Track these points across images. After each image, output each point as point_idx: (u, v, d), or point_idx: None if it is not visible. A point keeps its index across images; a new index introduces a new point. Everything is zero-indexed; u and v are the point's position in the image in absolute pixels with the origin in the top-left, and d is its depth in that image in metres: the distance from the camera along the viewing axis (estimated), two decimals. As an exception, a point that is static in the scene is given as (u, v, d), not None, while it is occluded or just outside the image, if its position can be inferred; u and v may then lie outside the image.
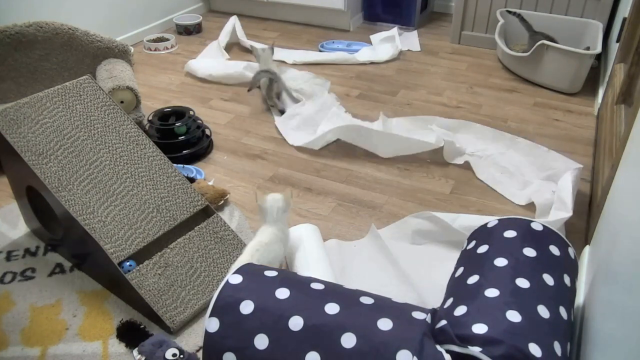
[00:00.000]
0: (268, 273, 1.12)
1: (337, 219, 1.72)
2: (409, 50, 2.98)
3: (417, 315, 1.02)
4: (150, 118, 2.06)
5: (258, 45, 2.60)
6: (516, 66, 2.63)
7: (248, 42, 2.98)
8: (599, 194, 1.53)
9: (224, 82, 2.63)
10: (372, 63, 2.84)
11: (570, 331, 1.05)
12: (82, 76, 1.58)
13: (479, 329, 0.96)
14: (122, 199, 1.42)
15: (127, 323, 1.33)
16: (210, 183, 1.84)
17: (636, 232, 0.93)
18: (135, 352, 1.24)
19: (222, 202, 1.76)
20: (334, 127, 2.06)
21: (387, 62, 2.85)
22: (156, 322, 1.34)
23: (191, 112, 2.09)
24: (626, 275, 0.91)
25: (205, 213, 1.54)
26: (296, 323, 0.99)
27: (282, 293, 1.05)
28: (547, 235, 1.18)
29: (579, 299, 1.27)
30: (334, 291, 1.07)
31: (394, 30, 3.05)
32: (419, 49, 2.99)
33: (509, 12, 2.70)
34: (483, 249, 1.18)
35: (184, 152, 2.01)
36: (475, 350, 0.93)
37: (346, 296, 1.06)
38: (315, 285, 1.08)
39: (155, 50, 3.04)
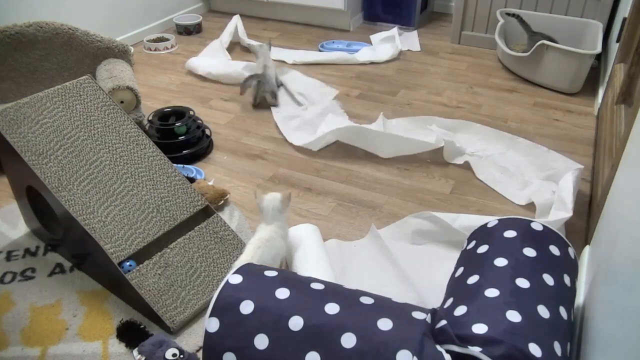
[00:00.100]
0: (268, 273, 1.12)
1: (337, 219, 1.72)
2: (409, 50, 2.98)
3: (417, 315, 1.02)
4: (150, 118, 2.06)
5: (255, 43, 2.61)
6: (516, 66, 2.63)
7: (247, 41, 2.98)
8: (599, 194, 1.53)
9: (223, 81, 2.64)
10: (372, 63, 2.84)
11: (570, 331, 1.05)
12: (82, 76, 1.58)
13: (479, 329, 0.96)
14: (122, 199, 1.42)
15: (127, 323, 1.33)
16: (210, 183, 1.84)
17: (636, 232, 0.93)
18: (135, 352, 1.24)
19: (222, 202, 1.76)
20: (334, 129, 2.05)
21: (387, 62, 2.85)
22: (156, 322, 1.34)
23: (191, 112, 2.09)
24: (626, 275, 0.91)
25: (205, 213, 1.54)
26: (296, 323, 0.99)
27: (282, 293, 1.05)
28: (547, 235, 1.18)
29: (579, 299, 1.27)
30: (334, 291, 1.07)
31: (394, 30, 3.05)
32: (419, 49, 2.99)
33: (508, 14, 2.70)
34: (483, 249, 1.18)
35: (184, 152, 2.01)
36: (475, 350, 0.93)
37: (346, 296, 1.06)
38: (315, 285, 1.08)
39: (155, 50, 3.04)
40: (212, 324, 1.03)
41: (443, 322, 1.00)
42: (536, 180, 1.81)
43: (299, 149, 2.09)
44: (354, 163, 2.00)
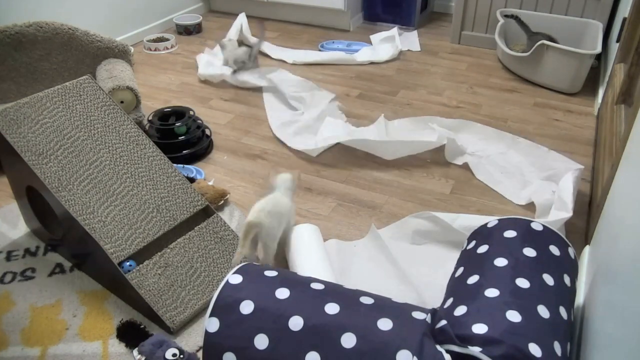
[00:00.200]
0: (268, 273, 1.12)
1: (337, 219, 1.72)
2: (409, 50, 2.98)
3: (417, 315, 1.02)
4: (150, 118, 2.06)
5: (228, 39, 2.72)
6: (516, 66, 2.64)
7: (252, 39, 3.00)
8: (599, 194, 1.53)
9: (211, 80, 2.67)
10: (372, 63, 2.84)
11: (570, 331, 1.05)
12: (82, 76, 1.58)
13: (479, 329, 0.96)
14: (122, 199, 1.42)
15: (127, 323, 1.33)
16: (210, 183, 1.84)
17: (636, 232, 0.93)
18: (135, 352, 1.24)
19: (222, 202, 1.76)
20: (334, 138, 2.04)
21: (387, 62, 2.85)
22: (156, 322, 1.34)
23: (191, 112, 2.09)
24: (626, 275, 0.91)
25: (205, 213, 1.54)
26: (296, 323, 1.00)
27: (282, 293, 1.05)
28: (547, 235, 1.18)
29: (579, 299, 1.27)
30: (334, 291, 1.07)
31: (394, 30, 3.05)
32: (419, 49, 2.99)
33: (507, 15, 2.70)
34: (483, 249, 1.18)
35: (184, 152, 2.01)
36: (475, 350, 0.93)
37: (346, 296, 1.06)
38: (315, 285, 1.08)
39: (155, 50, 3.04)
40: (212, 324, 1.04)
41: (443, 322, 1.00)
42: (536, 180, 1.81)
43: (299, 149, 2.09)
44: (354, 163, 2.00)
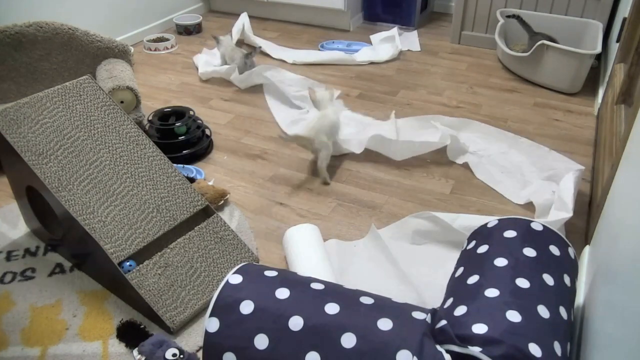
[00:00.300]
0: (268, 273, 1.12)
1: (337, 219, 1.72)
2: (409, 50, 2.98)
3: (417, 315, 1.02)
4: (150, 118, 2.06)
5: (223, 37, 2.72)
6: (516, 66, 2.63)
7: (254, 39, 3.01)
8: (599, 194, 1.53)
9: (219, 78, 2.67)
10: (372, 63, 2.84)
11: (570, 331, 1.05)
12: (82, 76, 1.58)
13: (479, 329, 0.96)
14: (122, 199, 1.42)
15: (127, 323, 1.33)
16: (210, 183, 1.84)
17: (636, 232, 0.93)
18: (135, 352, 1.24)
19: (222, 202, 1.76)
20: (360, 138, 2.05)
21: (387, 62, 2.85)
22: (156, 322, 1.34)
23: (191, 112, 2.09)
24: (626, 275, 0.91)
25: (205, 213, 1.54)
26: (296, 323, 1.00)
27: (282, 293, 1.05)
28: (547, 235, 1.18)
29: (579, 299, 1.27)
30: (334, 291, 1.07)
31: (394, 30, 3.05)
32: (419, 49, 2.99)
33: (509, 16, 2.70)
34: (483, 249, 1.18)
35: (184, 152, 2.01)
36: (475, 350, 0.93)
37: (346, 296, 1.06)
38: (315, 285, 1.09)
39: (155, 50, 3.04)
40: (212, 324, 1.04)
41: (443, 322, 1.00)
42: (536, 180, 1.81)
43: (299, 149, 2.09)
44: (354, 163, 2.00)
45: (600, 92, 2.33)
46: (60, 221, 1.44)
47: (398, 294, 1.38)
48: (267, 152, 2.08)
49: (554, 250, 1.15)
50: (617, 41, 2.17)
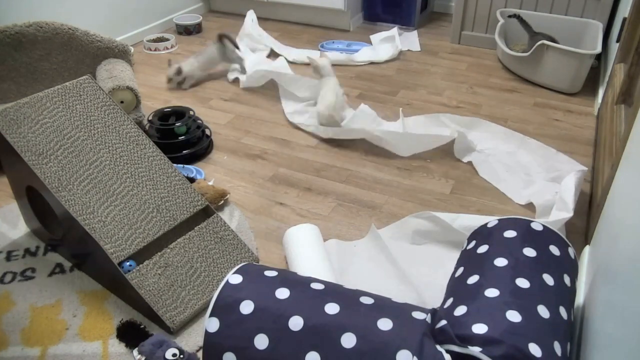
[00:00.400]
0: (268, 273, 1.12)
1: (337, 219, 1.72)
2: (409, 50, 2.98)
3: (417, 315, 1.02)
4: (150, 118, 2.06)
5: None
6: (516, 66, 2.64)
7: (259, 34, 3.02)
8: (599, 194, 1.53)
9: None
10: (372, 63, 2.84)
11: (570, 331, 1.05)
12: (82, 76, 1.58)
13: (479, 329, 0.96)
14: (122, 199, 1.42)
15: (127, 323, 1.33)
16: (210, 183, 1.84)
17: (636, 232, 0.93)
18: (135, 352, 1.24)
19: (222, 202, 1.76)
20: (360, 129, 2.06)
21: (387, 62, 2.85)
22: (156, 322, 1.34)
23: (191, 112, 2.09)
24: (626, 275, 0.91)
25: (205, 213, 1.54)
26: (296, 323, 1.00)
27: (282, 293, 1.05)
28: (547, 235, 1.18)
29: (579, 299, 1.27)
30: (334, 291, 1.07)
31: (394, 30, 3.05)
32: (419, 49, 2.99)
33: (509, 16, 2.70)
34: (483, 249, 1.18)
35: (184, 152, 2.01)
36: (475, 350, 0.93)
37: (346, 296, 1.06)
38: (315, 285, 1.09)
39: (155, 50, 3.04)
40: (212, 324, 1.04)
41: (443, 322, 1.00)
42: (540, 180, 1.81)
43: (299, 149, 2.09)
44: (354, 163, 2.00)
45: (600, 92, 2.33)
46: (60, 221, 1.44)
47: (398, 294, 1.38)
48: (267, 152, 2.09)
49: (554, 250, 1.15)
50: (617, 41, 2.17)
